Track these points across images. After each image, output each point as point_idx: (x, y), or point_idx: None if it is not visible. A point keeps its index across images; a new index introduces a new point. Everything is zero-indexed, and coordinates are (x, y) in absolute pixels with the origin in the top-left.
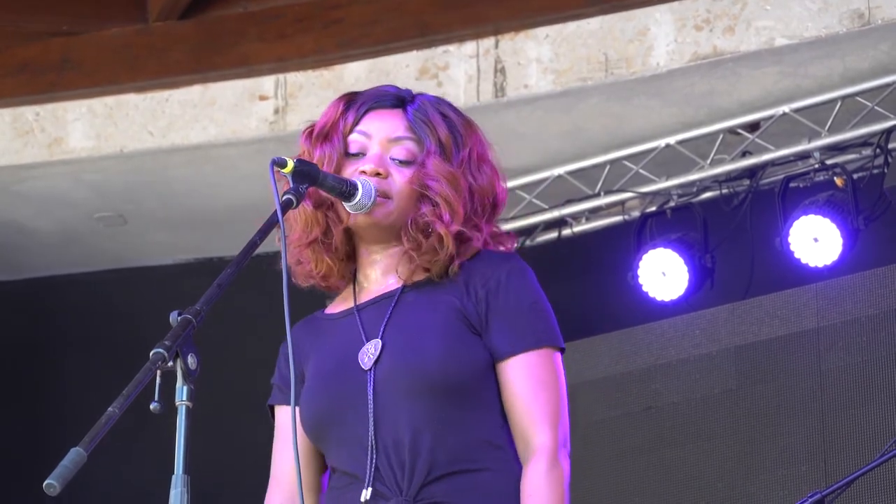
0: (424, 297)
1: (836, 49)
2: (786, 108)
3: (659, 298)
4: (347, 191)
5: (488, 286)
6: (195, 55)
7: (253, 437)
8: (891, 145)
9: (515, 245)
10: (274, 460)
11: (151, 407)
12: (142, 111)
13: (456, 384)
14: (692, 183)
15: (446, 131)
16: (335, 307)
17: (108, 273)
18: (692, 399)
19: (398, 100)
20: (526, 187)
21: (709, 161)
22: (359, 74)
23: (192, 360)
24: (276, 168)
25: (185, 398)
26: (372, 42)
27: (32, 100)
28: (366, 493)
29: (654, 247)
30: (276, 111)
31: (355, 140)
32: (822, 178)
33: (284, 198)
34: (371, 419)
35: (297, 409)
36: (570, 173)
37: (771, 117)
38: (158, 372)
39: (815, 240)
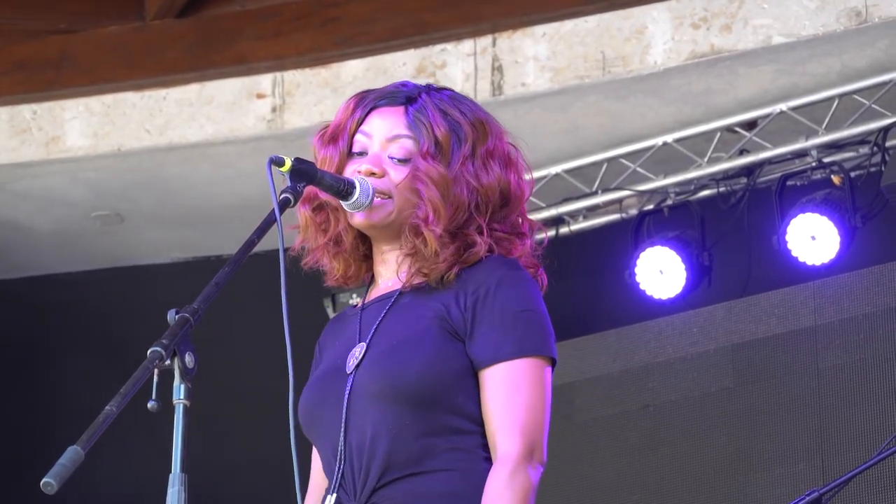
0: (415, 303)
1: (834, 47)
2: (783, 107)
3: (656, 296)
4: (345, 189)
5: (477, 293)
6: (192, 53)
7: (250, 436)
8: (888, 143)
9: (541, 236)
10: (312, 466)
11: (149, 405)
12: (139, 109)
13: (427, 394)
14: (689, 181)
15: (445, 130)
16: (350, 286)
17: (106, 271)
18: (690, 397)
19: (406, 97)
20: None
21: (706, 159)
22: (356, 73)
23: (189, 359)
24: (273, 166)
25: (182, 397)
26: (369, 40)
27: (29, 98)
28: (331, 500)
29: (652, 245)
30: (274, 109)
31: (358, 140)
32: (819, 176)
33: (282, 196)
34: (343, 423)
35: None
36: (568, 171)
37: (768, 115)
38: (156, 370)
39: (812, 238)
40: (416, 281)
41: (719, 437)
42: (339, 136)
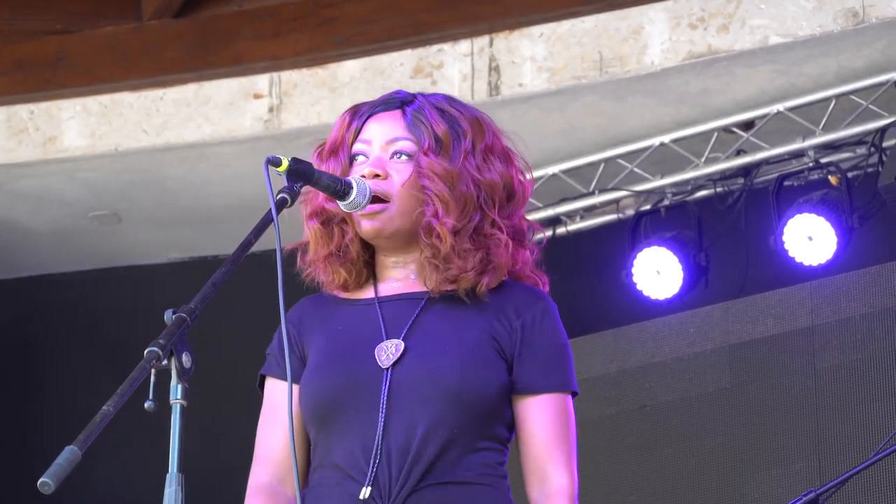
0: (452, 311)
1: (831, 47)
2: (780, 107)
3: (653, 297)
4: (342, 189)
5: (524, 319)
6: (190, 53)
7: (247, 435)
8: (885, 144)
9: (539, 236)
10: (260, 437)
11: (146, 405)
12: (136, 109)
13: (473, 400)
14: (686, 181)
15: (444, 127)
16: (348, 292)
17: (103, 272)
18: (687, 397)
19: (401, 102)
20: None
21: (703, 159)
22: (353, 73)
23: (186, 359)
24: (270, 166)
25: (179, 396)
26: (366, 40)
27: (27, 98)
28: (365, 492)
29: (649, 245)
30: (271, 109)
31: (357, 149)
32: (816, 176)
33: (279, 196)
34: (381, 420)
35: (298, 389)
36: (565, 172)
37: (765, 116)
38: (153, 370)
39: (809, 238)
40: (446, 288)
41: (716, 438)
42: (339, 149)
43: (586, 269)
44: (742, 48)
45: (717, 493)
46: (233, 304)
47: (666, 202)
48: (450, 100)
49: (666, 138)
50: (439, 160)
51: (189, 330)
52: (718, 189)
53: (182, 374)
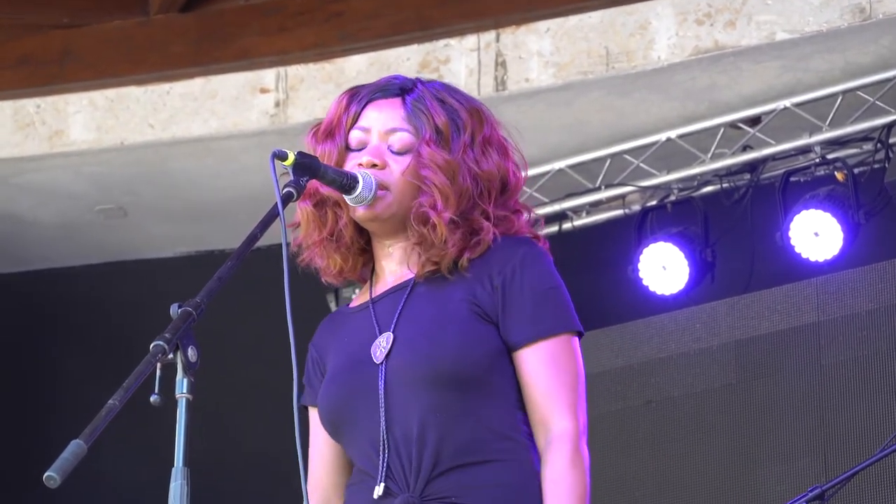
0: (435, 291)
1: (838, 43)
2: (787, 103)
3: (659, 292)
4: (348, 184)
5: (504, 273)
6: (196, 48)
7: (253, 430)
8: (892, 140)
9: (528, 218)
10: (310, 465)
11: (151, 399)
12: (143, 104)
13: (468, 375)
14: (693, 177)
15: (444, 118)
16: (356, 300)
17: (109, 266)
18: (692, 393)
19: (400, 90)
20: (526, 181)
21: (709, 155)
22: (360, 67)
23: (192, 353)
24: (276, 160)
25: (185, 391)
26: (373, 35)
27: (33, 92)
28: (378, 490)
29: (655, 241)
30: (277, 104)
31: (355, 136)
32: (822, 172)
33: (285, 190)
34: (382, 414)
35: (317, 406)
36: (571, 167)
37: (772, 111)
38: (159, 364)
39: (815, 234)
40: (428, 269)
41: (722, 434)
42: (336, 132)
43: (592, 264)
44: (749, 44)
45: (723, 489)
46: (239, 299)
47: (672, 198)
48: (448, 88)
49: (672, 134)
50: (440, 151)
51: (195, 324)
52: (725, 185)
53: (188, 368)
